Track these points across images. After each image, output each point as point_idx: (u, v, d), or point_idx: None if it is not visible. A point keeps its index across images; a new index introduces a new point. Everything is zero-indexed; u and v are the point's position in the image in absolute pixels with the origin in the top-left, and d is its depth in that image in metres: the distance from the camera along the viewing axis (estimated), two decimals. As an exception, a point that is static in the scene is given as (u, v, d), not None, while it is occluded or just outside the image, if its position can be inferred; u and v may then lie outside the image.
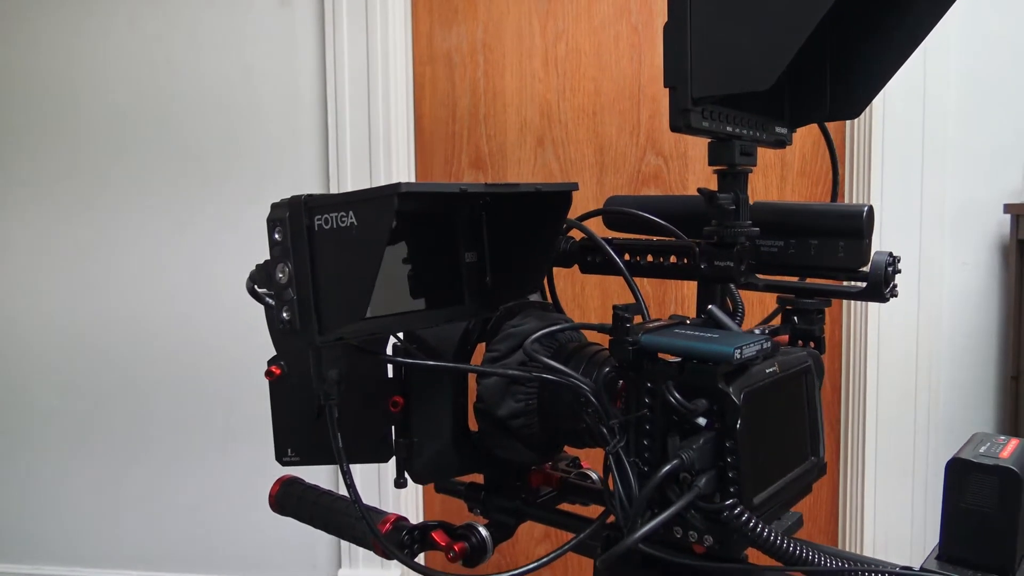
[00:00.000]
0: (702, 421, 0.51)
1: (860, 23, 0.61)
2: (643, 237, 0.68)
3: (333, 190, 1.69)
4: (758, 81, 0.51)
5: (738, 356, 0.49)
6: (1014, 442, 0.53)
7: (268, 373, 0.64)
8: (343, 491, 0.59)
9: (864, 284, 0.57)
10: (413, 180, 1.80)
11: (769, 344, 0.53)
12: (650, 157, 1.75)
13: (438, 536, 0.63)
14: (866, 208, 0.55)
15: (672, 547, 0.54)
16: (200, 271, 1.81)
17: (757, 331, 0.63)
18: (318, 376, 0.55)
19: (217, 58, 1.77)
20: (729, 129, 0.58)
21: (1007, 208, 1.60)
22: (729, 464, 0.50)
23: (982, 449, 0.52)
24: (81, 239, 1.85)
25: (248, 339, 1.80)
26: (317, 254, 0.52)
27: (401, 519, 0.64)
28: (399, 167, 1.75)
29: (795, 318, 0.62)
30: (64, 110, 1.83)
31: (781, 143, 0.64)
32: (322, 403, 0.56)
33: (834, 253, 0.56)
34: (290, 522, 1.85)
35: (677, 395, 0.51)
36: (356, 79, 1.71)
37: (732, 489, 0.50)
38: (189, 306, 1.83)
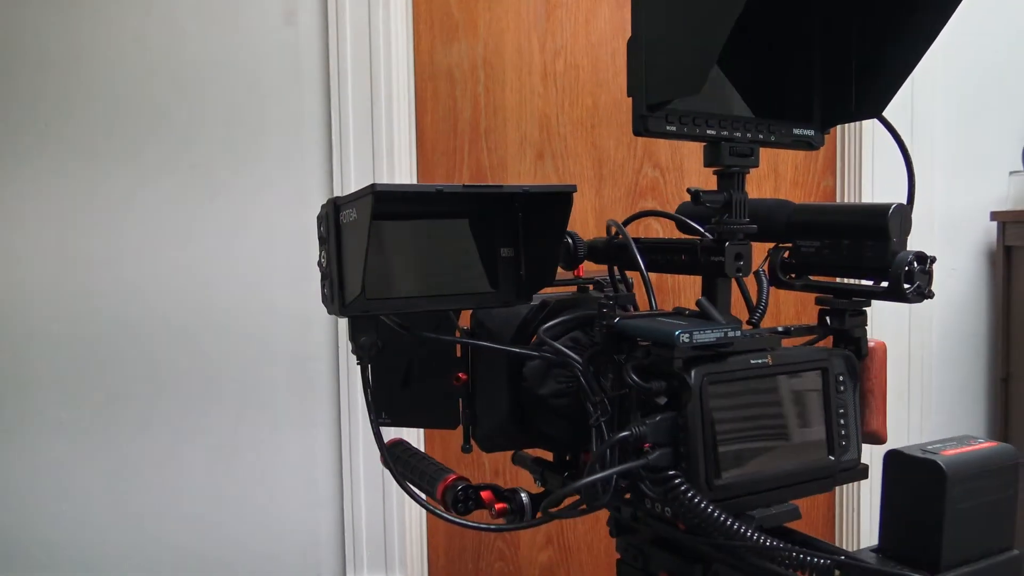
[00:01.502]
0: (663, 401, 0.54)
1: (881, 23, 0.65)
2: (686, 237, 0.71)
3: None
4: (690, 87, 0.55)
5: (686, 340, 0.52)
6: (984, 444, 0.51)
7: None
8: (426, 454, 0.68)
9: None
10: (416, 193, 1.82)
11: (737, 333, 0.55)
12: (647, 169, 1.80)
13: (486, 495, 0.69)
14: (893, 206, 0.56)
15: (663, 523, 0.58)
16: (202, 280, 1.83)
17: (781, 328, 0.67)
18: (353, 340, 0.65)
19: (223, 73, 1.79)
20: (711, 132, 0.61)
21: (993, 216, 1.66)
22: (680, 440, 0.53)
23: (932, 446, 0.51)
24: (84, 248, 1.86)
25: (253, 343, 1.81)
26: (342, 243, 0.62)
27: (460, 478, 0.70)
28: (401, 180, 1.77)
29: (827, 319, 0.64)
30: (70, 120, 1.83)
31: (808, 144, 0.66)
32: (359, 363, 0.67)
33: (863, 253, 0.58)
34: (294, 527, 1.86)
35: (634, 376, 0.55)
36: (359, 95, 1.74)
37: (682, 464, 0.53)
38: (194, 310, 1.83)
